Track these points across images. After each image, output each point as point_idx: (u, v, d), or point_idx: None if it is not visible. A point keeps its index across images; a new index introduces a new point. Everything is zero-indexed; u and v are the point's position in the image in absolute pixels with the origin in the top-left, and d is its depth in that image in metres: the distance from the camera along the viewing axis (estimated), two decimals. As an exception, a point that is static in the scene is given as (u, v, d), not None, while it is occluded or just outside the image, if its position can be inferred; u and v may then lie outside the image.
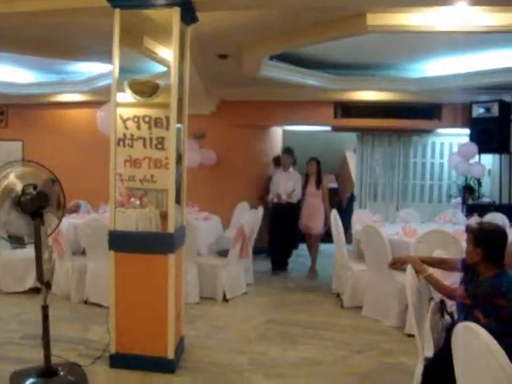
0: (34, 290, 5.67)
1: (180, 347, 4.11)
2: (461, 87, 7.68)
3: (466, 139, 8.12)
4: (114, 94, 3.80)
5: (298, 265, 8.01)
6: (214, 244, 6.64)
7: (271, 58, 6.76)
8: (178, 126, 3.91)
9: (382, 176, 9.69)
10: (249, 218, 6.29)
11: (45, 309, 3.41)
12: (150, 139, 3.88)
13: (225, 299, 5.82)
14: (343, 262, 5.98)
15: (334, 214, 6.34)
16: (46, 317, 3.41)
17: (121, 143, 3.87)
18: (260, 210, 6.95)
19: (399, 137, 9.48)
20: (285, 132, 9.97)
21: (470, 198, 8.43)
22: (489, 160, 8.68)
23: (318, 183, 7.69)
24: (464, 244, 3.29)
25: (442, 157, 9.51)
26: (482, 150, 7.74)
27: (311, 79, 7.70)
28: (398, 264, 3.58)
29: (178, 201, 4.00)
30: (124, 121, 3.88)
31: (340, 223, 6.19)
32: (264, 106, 8.46)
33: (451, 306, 3.25)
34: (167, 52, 3.88)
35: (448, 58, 6.91)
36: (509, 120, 7.85)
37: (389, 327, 5.01)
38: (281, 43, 5.74)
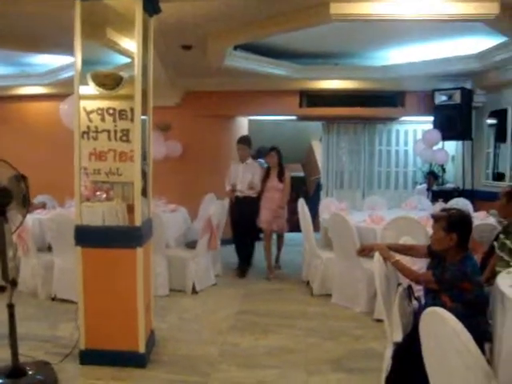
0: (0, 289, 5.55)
1: (151, 341, 4.08)
2: (423, 75, 7.82)
3: (430, 126, 8.26)
4: (76, 87, 3.71)
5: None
6: (182, 236, 6.61)
7: (236, 48, 6.74)
8: (143, 117, 3.86)
9: (348, 164, 9.82)
10: (215, 210, 6.24)
11: (10, 307, 3.35)
12: (115, 131, 3.86)
13: (194, 291, 5.81)
14: (312, 250, 6.02)
15: (302, 203, 6.31)
16: (11, 315, 3.35)
17: (85, 136, 3.82)
18: (226, 201, 6.74)
19: (364, 125, 9.60)
20: (250, 122, 9.97)
21: (434, 184, 8.62)
22: (452, 146, 8.90)
23: (281, 176, 6.67)
24: (430, 230, 3.34)
25: (406, 144, 9.67)
26: (445, 136, 7.88)
27: (276, 69, 7.70)
28: (365, 251, 3.62)
29: (144, 193, 3.95)
30: (88, 113, 3.84)
31: (307, 212, 6.21)
32: (229, 96, 8.43)
33: (418, 290, 3.31)
34: (130, 43, 3.82)
35: (411, 45, 7.00)
36: (470, 107, 7.99)
37: (358, 313, 5.09)
38: (244, 33, 5.72)
